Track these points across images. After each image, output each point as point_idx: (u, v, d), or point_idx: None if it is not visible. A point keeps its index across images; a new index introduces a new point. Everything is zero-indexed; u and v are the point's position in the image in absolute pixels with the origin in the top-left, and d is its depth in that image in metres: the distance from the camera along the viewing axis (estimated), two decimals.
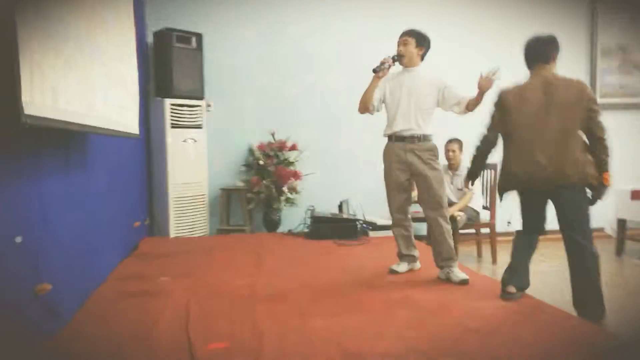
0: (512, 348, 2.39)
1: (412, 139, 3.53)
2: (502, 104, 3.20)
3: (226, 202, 5.64)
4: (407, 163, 3.55)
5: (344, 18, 5.95)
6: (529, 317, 2.82)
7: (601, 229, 5.61)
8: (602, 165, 3.04)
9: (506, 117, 3.17)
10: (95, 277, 3.43)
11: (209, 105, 5.70)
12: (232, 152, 5.80)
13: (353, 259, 4.18)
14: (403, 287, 3.36)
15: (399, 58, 3.54)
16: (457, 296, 3.18)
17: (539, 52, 3.18)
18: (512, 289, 3.13)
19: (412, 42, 3.54)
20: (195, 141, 5.43)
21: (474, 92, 3.43)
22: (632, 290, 4.15)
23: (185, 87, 5.34)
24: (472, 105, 3.48)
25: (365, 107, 3.60)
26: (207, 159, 5.59)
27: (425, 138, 3.55)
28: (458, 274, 3.47)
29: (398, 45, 3.58)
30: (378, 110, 3.67)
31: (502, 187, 3.31)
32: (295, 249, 4.52)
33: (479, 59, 5.74)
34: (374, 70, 3.50)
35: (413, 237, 3.77)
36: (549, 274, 4.73)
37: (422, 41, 3.57)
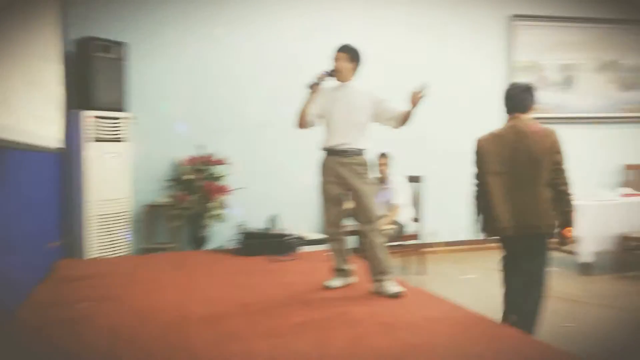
0: None
1: (346, 152, 3.54)
2: (478, 151, 3.25)
3: (151, 219, 5.40)
4: (341, 177, 3.56)
5: (275, 22, 5.90)
6: (466, 329, 2.87)
7: None
8: (567, 218, 3.11)
9: (483, 163, 3.22)
10: (6, 306, 3.14)
11: (132, 118, 5.45)
12: (157, 167, 5.57)
13: (286, 275, 4.10)
14: (340, 303, 3.33)
15: (333, 73, 3.57)
16: (394, 310, 3.18)
17: (518, 100, 3.20)
18: (514, 317, 3.11)
19: (344, 57, 3.57)
20: (117, 155, 5.16)
21: (405, 106, 3.49)
22: (550, 293, 4.34)
23: (107, 98, 5.08)
24: (404, 119, 3.54)
25: (303, 122, 3.62)
26: (131, 174, 5.34)
27: (358, 152, 3.57)
28: (392, 287, 3.47)
29: (333, 61, 3.60)
30: (315, 125, 3.68)
31: (489, 231, 3.26)
32: (226, 267, 4.38)
33: (408, 75, 5.94)
34: (309, 86, 3.52)
35: (348, 251, 3.76)
36: (475, 284, 4.88)
37: (355, 56, 3.60)
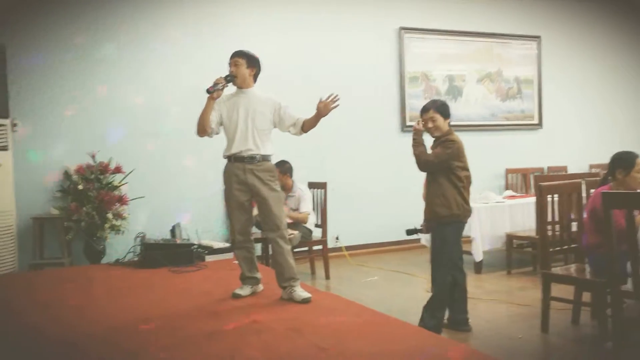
0: None
1: (251, 159, 3.51)
2: (460, 148, 3.63)
3: (39, 232, 5.03)
4: (247, 184, 3.52)
5: (170, 20, 5.72)
6: (375, 330, 2.95)
7: (417, 240, 6.15)
8: None
9: (460, 159, 3.62)
10: None
11: (14, 125, 5.06)
12: (44, 177, 5.21)
13: (192, 286, 4.00)
14: (249, 311, 3.30)
15: (231, 79, 3.52)
16: (304, 315, 3.21)
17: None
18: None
19: (243, 62, 3.54)
20: None
21: (309, 114, 3.54)
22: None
23: None
24: (307, 126, 3.58)
25: (203, 130, 3.52)
26: (14, 184, 4.95)
27: (264, 158, 3.55)
28: (300, 293, 3.50)
29: (230, 66, 3.56)
30: (217, 133, 3.61)
31: (463, 216, 3.61)
32: (127, 280, 4.18)
33: (304, 82, 6.02)
34: (208, 91, 3.42)
35: (255, 259, 3.74)
36: (377, 285, 5.04)
37: (253, 62, 3.58)
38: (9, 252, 4.81)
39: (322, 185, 5.47)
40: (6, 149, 4.85)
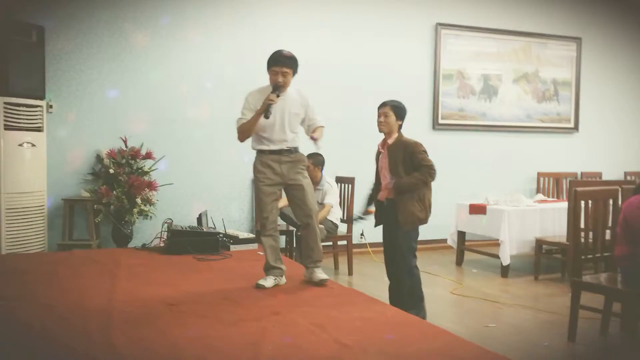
0: None
1: (285, 151, 3.66)
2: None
3: (69, 214, 5.11)
4: (280, 174, 3.64)
5: (210, 11, 5.74)
6: (398, 329, 2.91)
7: (444, 240, 6.07)
8: None
9: None
10: None
11: (50, 106, 5.14)
12: (76, 159, 5.29)
13: (216, 274, 4.00)
14: (273, 303, 3.28)
15: (280, 90, 3.58)
16: (327, 311, 3.17)
17: None
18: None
19: (290, 72, 3.63)
20: (33, 145, 4.85)
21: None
22: (472, 294, 4.52)
23: (23, 84, 4.76)
24: (313, 134, 3.67)
25: (245, 138, 3.68)
26: (47, 165, 5.03)
27: (296, 150, 3.71)
28: (320, 274, 3.69)
29: (276, 74, 3.59)
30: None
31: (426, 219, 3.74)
32: (153, 266, 4.21)
33: (340, 77, 5.98)
34: (266, 117, 3.51)
35: (279, 250, 3.77)
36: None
37: (297, 68, 3.68)
38: (39, 232, 4.90)
39: (349, 180, 5.43)
40: (41, 130, 4.93)
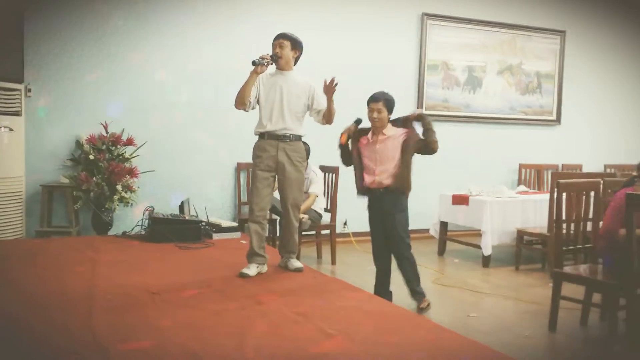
0: (370, 351, 2.44)
1: (285, 137, 3.66)
2: None
3: (47, 200, 5.01)
4: (276, 161, 3.66)
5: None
6: (382, 318, 2.91)
7: (426, 230, 6.10)
8: None
9: None
10: None
11: (28, 90, 5.02)
12: (55, 144, 5.18)
13: (199, 262, 3.97)
14: (256, 292, 3.26)
15: (276, 58, 3.61)
16: (310, 300, 3.17)
17: None
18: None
19: (288, 45, 3.66)
20: (11, 130, 4.74)
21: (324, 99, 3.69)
22: (454, 284, 4.55)
23: (0, 67, 4.63)
24: (327, 115, 3.73)
25: (242, 102, 3.61)
26: (25, 150, 4.92)
27: (296, 138, 3.72)
28: (295, 263, 3.84)
29: (274, 47, 3.66)
30: (253, 108, 3.72)
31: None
32: (134, 253, 4.15)
33: (324, 70, 5.93)
34: (254, 63, 3.49)
35: (265, 238, 3.78)
36: None
37: (297, 45, 3.71)
38: (16, 218, 4.80)
39: (333, 170, 5.41)
40: (19, 114, 4.83)
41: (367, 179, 3.85)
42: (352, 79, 6.19)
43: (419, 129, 3.85)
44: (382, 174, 3.80)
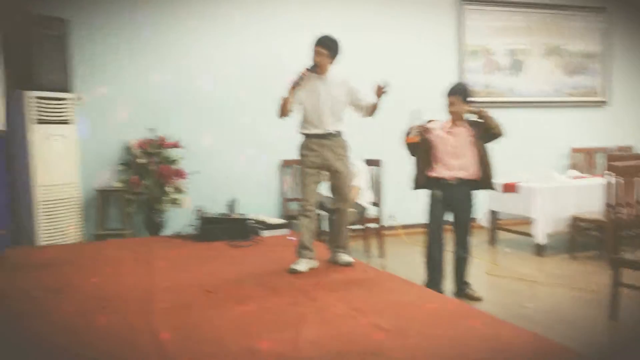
0: (425, 345, 2.43)
1: (328, 135, 3.82)
2: None
3: (102, 204, 5.17)
4: (323, 157, 3.80)
5: (232, 3, 5.68)
6: (436, 312, 2.89)
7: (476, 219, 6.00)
8: None
9: None
10: None
11: (79, 99, 5.19)
12: (107, 150, 5.33)
13: (249, 260, 4.04)
14: (308, 288, 3.29)
15: (315, 69, 3.78)
16: (363, 295, 3.18)
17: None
18: None
19: (325, 53, 3.78)
20: (63, 138, 4.91)
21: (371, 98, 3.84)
22: (507, 274, 4.47)
23: (51, 78, 4.81)
24: (371, 110, 3.91)
25: (285, 113, 3.81)
26: (78, 157, 5.09)
27: (338, 134, 3.86)
28: (345, 257, 3.91)
29: (314, 54, 3.78)
30: (293, 112, 3.86)
31: None
32: (187, 253, 4.26)
33: (363, 62, 5.90)
34: (293, 84, 3.72)
35: (314, 233, 3.87)
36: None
37: (335, 50, 3.83)
38: (74, 223, 4.97)
39: (377, 163, 5.39)
40: (70, 122, 4.98)
41: (442, 171, 3.84)
42: (390, 69, 6.16)
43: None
44: (461, 167, 3.82)
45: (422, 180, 3.90)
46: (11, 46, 4.76)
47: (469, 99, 3.86)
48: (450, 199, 3.84)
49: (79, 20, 5.18)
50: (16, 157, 4.77)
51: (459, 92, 3.84)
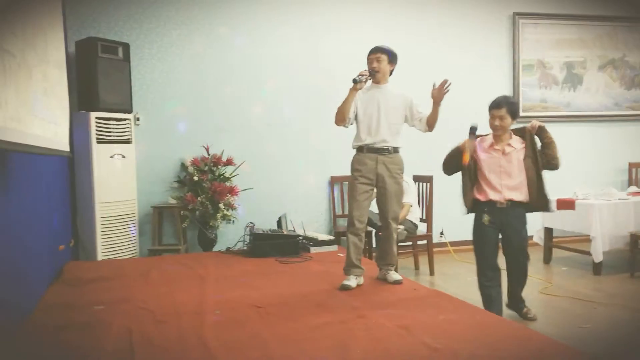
0: None
1: (384, 150, 3.70)
2: None
3: (158, 220, 5.35)
4: (375, 173, 3.70)
5: (280, 22, 5.81)
6: (486, 331, 2.83)
7: (530, 237, 5.84)
8: None
9: None
10: (21, 309, 3.11)
11: (137, 119, 5.41)
12: (163, 168, 5.53)
13: (298, 276, 4.07)
14: (356, 305, 3.29)
15: (374, 73, 3.66)
16: (412, 312, 3.15)
17: None
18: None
19: (385, 59, 3.70)
20: (123, 157, 5.12)
21: (423, 104, 3.71)
22: (563, 294, 4.33)
23: (112, 99, 5.03)
24: (431, 120, 3.70)
25: (342, 118, 3.68)
26: (137, 175, 5.30)
27: (395, 150, 3.75)
28: (394, 275, 3.81)
29: (371, 62, 3.71)
30: (351, 124, 3.78)
31: None
32: (238, 269, 4.34)
33: (414, 76, 5.89)
34: (354, 81, 3.55)
35: (362, 250, 3.81)
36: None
37: (393, 59, 3.75)
38: (131, 238, 5.16)
39: (427, 179, 5.35)
40: (130, 142, 5.19)
41: (491, 194, 3.58)
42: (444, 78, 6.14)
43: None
44: (512, 189, 3.57)
45: (470, 203, 3.68)
46: (77, 69, 5.03)
47: (516, 114, 3.62)
48: (501, 224, 3.59)
49: (140, 44, 5.42)
50: (79, 175, 5.01)
51: (507, 105, 3.56)
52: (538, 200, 3.60)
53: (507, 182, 3.57)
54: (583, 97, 6.74)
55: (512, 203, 3.58)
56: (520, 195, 3.59)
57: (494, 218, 3.60)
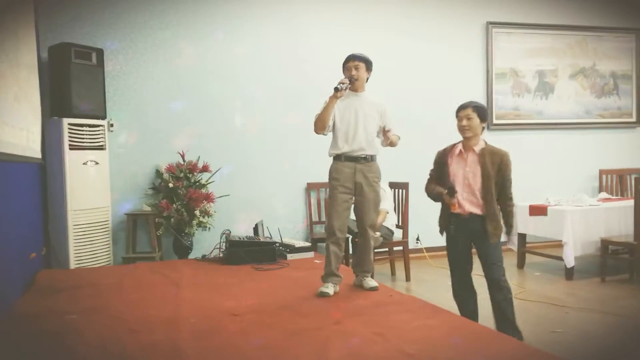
0: None
1: (362, 159, 3.71)
2: None
3: (132, 228, 5.28)
4: (354, 182, 3.70)
5: (257, 23, 5.82)
6: (463, 337, 2.86)
7: (503, 243, 5.92)
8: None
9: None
10: None
11: (111, 125, 5.35)
12: (137, 175, 5.46)
13: (276, 283, 4.05)
14: (333, 311, 3.29)
15: (353, 81, 3.67)
16: (388, 319, 3.16)
17: None
18: None
19: (363, 66, 3.72)
20: (96, 163, 5.05)
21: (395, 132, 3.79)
22: (536, 298, 4.39)
23: (86, 105, 4.97)
24: (392, 143, 3.75)
25: (322, 126, 3.67)
26: (110, 182, 5.23)
27: (372, 159, 3.76)
28: (370, 282, 3.83)
29: (350, 70, 3.71)
30: (330, 131, 3.77)
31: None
32: (214, 276, 4.30)
33: (388, 81, 5.93)
34: (336, 89, 3.56)
35: (341, 258, 3.83)
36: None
37: (370, 66, 3.77)
38: (104, 246, 5.09)
39: (403, 186, 5.39)
40: (103, 148, 5.13)
41: (457, 205, 3.34)
42: (417, 93, 6.22)
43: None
44: (473, 204, 3.34)
45: (443, 220, 3.49)
46: (50, 75, 4.95)
47: (484, 114, 3.36)
48: (470, 235, 3.36)
49: (114, 50, 5.37)
50: (51, 182, 4.93)
51: (472, 105, 3.35)
52: (493, 223, 3.31)
53: (468, 196, 3.35)
54: (555, 105, 6.88)
55: (473, 216, 3.34)
56: (480, 209, 3.33)
57: (461, 229, 3.39)
